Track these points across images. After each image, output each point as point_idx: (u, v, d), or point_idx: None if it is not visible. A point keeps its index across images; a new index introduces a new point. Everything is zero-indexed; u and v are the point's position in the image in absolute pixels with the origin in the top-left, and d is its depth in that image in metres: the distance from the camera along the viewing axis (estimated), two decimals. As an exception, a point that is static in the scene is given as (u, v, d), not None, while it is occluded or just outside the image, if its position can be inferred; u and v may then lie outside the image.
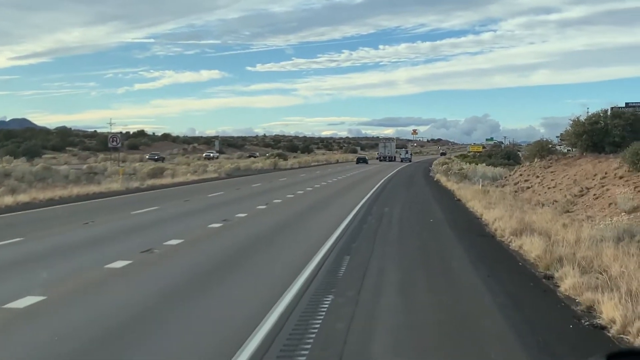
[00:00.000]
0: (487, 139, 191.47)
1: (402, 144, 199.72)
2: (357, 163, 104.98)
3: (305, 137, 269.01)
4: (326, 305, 9.86)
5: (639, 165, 30.68)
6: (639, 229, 20.22)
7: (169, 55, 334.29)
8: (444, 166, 66.61)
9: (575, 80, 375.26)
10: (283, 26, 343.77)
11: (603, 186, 31.93)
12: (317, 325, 8.70)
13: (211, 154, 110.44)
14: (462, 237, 18.43)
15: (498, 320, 9.27)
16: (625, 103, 67.81)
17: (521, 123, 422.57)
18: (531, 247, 15.77)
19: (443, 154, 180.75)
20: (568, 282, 12.01)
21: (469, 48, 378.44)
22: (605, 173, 34.43)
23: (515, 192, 42.75)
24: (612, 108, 64.80)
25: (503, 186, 47.80)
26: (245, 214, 23.29)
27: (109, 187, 35.78)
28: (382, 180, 49.44)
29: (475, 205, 28.24)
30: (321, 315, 9.28)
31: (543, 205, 33.04)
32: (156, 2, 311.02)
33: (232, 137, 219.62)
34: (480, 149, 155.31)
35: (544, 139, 55.10)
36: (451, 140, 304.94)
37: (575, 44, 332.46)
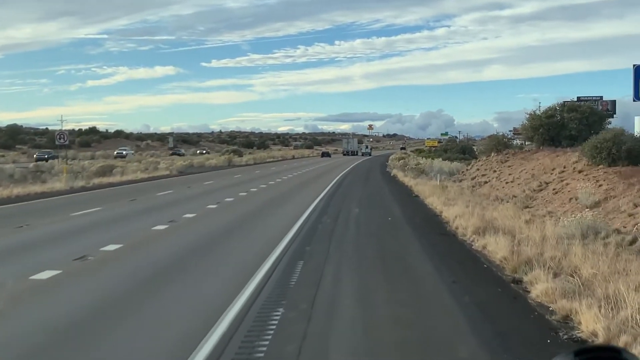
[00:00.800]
0: (442, 134, 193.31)
1: (359, 139, 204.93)
2: (321, 157, 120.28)
3: (261, 133, 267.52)
4: (275, 321, 8.72)
5: (598, 159, 30.17)
6: (603, 225, 19.53)
7: (123, 51, 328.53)
8: (400, 161, 65.94)
9: (528, 75, 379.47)
10: (238, 22, 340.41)
11: (562, 180, 31.37)
12: (264, 349, 7.55)
13: (124, 152, 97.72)
14: (422, 237, 17.45)
15: (468, 337, 8.23)
16: (577, 97, 68.28)
17: (475, 118, 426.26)
18: (496, 248, 14.85)
19: (403, 148, 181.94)
20: (539, 287, 11.05)
21: (423, 44, 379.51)
22: (564, 167, 33.92)
23: (473, 187, 42.13)
24: (565, 102, 64.80)
25: (460, 181, 47.18)
26: (194, 214, 22.00)
27: (52, 187, 34.04)
28: (338, 177, 48.44)
29: (434, 201, 27.36)
30: (269, 334, 8.13)
31: (502, 200, 32.37)
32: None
33: (188, 134, 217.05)
34: (436, 144, 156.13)
35: (500, 133, 54.78)
36: (407, 135, 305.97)
37: (527, 39, 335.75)
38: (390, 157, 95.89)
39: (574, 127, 43.37)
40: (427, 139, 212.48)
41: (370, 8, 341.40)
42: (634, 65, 32.09)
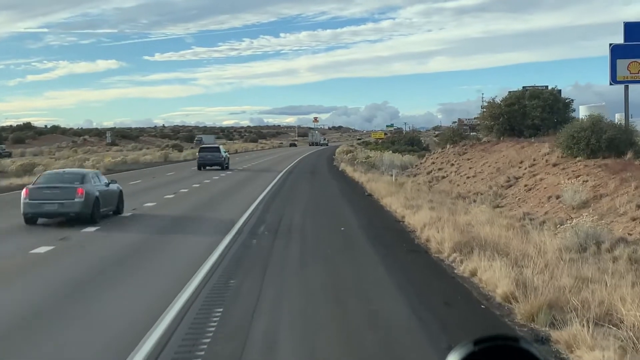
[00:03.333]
0: (387, 126, 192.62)
1: (303, 132, 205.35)
2: (289, 146, 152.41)
3: (205, 127, 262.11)
4: None
5: (575, 151, 26.58)
6: (604, 233, 15.77)
7: (64, 45, 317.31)
8: (348, 154, 61.93)
9: (471, 66, 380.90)
10: (182, 14, 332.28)
11: (534, 175, 27.69)
12: None
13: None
14: (387, 257, 13.37)
15: None
16: (523, 86, 65.94)
17: (419, 109, 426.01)
18: (491, 276, 10.82)
19: (359, 139, 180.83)
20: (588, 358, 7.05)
21: (368, 36, 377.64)
22: (534, 160, 30.30)
23: (430, 182, 38.36)
24: (525, 88, 61.69)
25: (415, 176, 43.40)
26: (96, 228, 17.49)
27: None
28: (281, 174, 44.09)
29: (392, 202, 23.36)
30: None
31: (466, 199, 28.59)
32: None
33: (130, 129, 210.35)
34: (383, 136, 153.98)
35: (454, 123, 51.31)
36: (352, 128, 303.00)
37: (471, 30, 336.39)
38: (337, 150, 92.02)
39: (537, 115, 39.94)
40: (373, 131, 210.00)
41: (315, 0, 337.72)
42: (610, 44, 28.58)
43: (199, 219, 19.47)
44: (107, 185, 20.19)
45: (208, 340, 7.71)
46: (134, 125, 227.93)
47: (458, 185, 34.20)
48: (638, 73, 28.58)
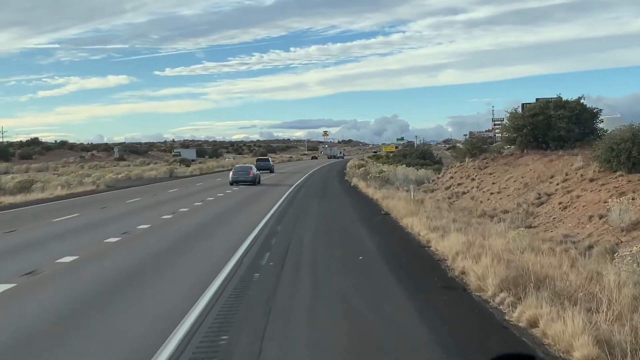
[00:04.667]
0: (397, 139, 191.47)
1: (313, 145, 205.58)
2: (311, 159, 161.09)
3: (215, 141, 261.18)
4: None
5: (615, 164, 24.02)
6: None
7: (75, 60, 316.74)
8: (360, 169, 59.36)
9: (481, 79, 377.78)
10: (193, 29, 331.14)
11: (569, 192, 25.09)
12: None
13: None
14: (417, 297, 10.84)
15: None
16: (536, 98, 63.92)
17: (429, 122, 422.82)
18: (561, 331, 8.26)
19: (375, 152, 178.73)
20: None
21: (378, 49, 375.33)
22: (566, 174, 27.70)
23: (449, 198, 35.78)
24: (523, 104, 59.86)
25: (432, 191, 40.83)
26: (77, 257, 15.04)
27: None
28: (290, 189, 41.61)
29: (414, 224, 20.84)
30: None
31: (493, 218, 26.01)
32: (59, 6, 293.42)
33: (140, 143, 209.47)
34: (394, 149, 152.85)
35: (480, 133, 48.57)
36: (362, 141, 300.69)
37: (481, 43, 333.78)
38: (348, 164, 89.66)
39: (562, 126, 37.30)
40: (384, 144, 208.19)
41: (325, 14, 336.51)
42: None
43: (194, 247, 16.96)
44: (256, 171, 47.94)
45: None
46: (144, 140, 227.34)
47: (481, 202, 31.62)
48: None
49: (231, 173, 49.08)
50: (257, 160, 77.57)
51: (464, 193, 36.05)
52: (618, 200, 18.75)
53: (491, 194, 32.37)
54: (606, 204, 21.22)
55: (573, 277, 11.71)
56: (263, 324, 8.98)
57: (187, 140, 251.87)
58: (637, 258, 12.90)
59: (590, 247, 17.37)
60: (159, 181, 59.50)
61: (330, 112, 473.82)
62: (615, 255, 13.96)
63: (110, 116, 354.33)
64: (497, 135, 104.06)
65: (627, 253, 13.36)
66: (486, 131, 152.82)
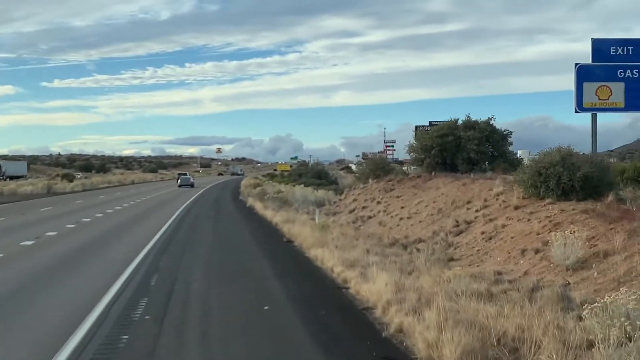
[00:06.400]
0: (291, 158, 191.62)
1: (206, 162, 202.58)
2: (231, 175, 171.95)
3: (104, 156, 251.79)
4: None
5: (543, 191, 21.71)
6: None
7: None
8: (257, 188, 55.94)
9: (374, 101, 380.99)
10: (84, 41, 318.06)
11: (491, 220, 22.60)
12: None
13: None
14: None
15: None
16: (429, 122, 63.27)
17: (323, 142, 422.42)
18: None
19: (275, 170, 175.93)
20: None
21: (274, 68, 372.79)
22: (485, 200, 25.31)
23: (354, 223, 32.95)
24: (416, 127, 58.21)
25: (335, 214, 37.93)
26: None
27: None
28: (179, 211, 37.67)
29: (325, 256, 17.75)
30: None
31: (406, 247, 23.21)
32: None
33: (24, 156, 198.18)
34: (288, 168, 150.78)
35: (378, 155, 46.17)
36: (256, 159, 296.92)
37: (375, 66, 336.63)
38: (242, 183, 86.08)
39: (473, 148, 35.30)
40: (278, 163, 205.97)
41: (222, 31, 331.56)
42: (575, 64, 24.09)
43: (41, 297, 13.06)
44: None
45: None
46: (29, 153, 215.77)
47: (391, 227, 28.88)
48: (607, 99, 24.17)
49: (178, 180, 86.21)
50: (179, 174, 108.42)
51: (369, 217, 33.31)
52: (562, 234, 16.18)
53: (401, 219, 29.71)
54: (539, 235, 18.80)
55: (548, 344, 8.87)
56: None
57: (74, 154, 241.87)
58: (611, 307, 10.27)
59: (534, 289, 14.68)
60: (35, 197, 54.16)
61: (224, 130, 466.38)
62: (584, 306, 11.19)
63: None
64: (388, 156, 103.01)
65: (598, 305, 10.64)
66: (379, 152, 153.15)
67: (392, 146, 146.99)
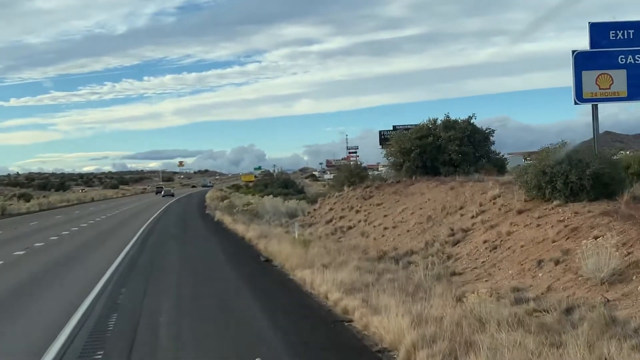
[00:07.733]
0: (255, 168, 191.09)
1: (168, 176, 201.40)
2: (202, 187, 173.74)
3: (63, 173, 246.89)
4: None
5: (549, 192, 19.49)
6: None
7: None
8: (224, 201, 53.17)
9: (335, 108, 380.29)
10: (40, 58, 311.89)
11: (492, 227, 20.27)
12: None
13: None
14: None
15: None
16: (393, 126, 61.26)
17: (285, 151, 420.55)
18: None
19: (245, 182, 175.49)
20: None
21: (234, 79, 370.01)
22: (480, 204, 23.01)
23: (333, 234, 30.46)
24: (380, 132, 56.12)
25: (310, 226, 35.41)
26: None
27: None
28: (142, 229, 34.82)
29: (314, 280, 15.26)
30: None
31: (398, 261, 20.77)
32: None
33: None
34: (253, 178, 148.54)
35: (352, 162, 43.82)
36: (219, 171, 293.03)
37: (335, 74, 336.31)
38: (207, 196, 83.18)
39: (454, 149, 33.11)
40: (242, 173, 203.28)
41: (180, 43, 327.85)
42: (573, 51, 21.95)
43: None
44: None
45: None
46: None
47: (375, 238, 26.45)
48: (609, 88, 22.05)
49: (161, 192, 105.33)
50: (157, 186, 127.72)
51: (350, 228, 30.86)
52: (594, 241, 13.86)
53: (385, 229, 27.28)
54: (555, 243, 16.55)
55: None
56: None
57: (32, 172, 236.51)
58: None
59: (568, 310, 12.34)
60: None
61: (185, 142, 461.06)
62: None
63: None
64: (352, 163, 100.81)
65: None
66: (342, 159, 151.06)
67: (356, 152, 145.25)
